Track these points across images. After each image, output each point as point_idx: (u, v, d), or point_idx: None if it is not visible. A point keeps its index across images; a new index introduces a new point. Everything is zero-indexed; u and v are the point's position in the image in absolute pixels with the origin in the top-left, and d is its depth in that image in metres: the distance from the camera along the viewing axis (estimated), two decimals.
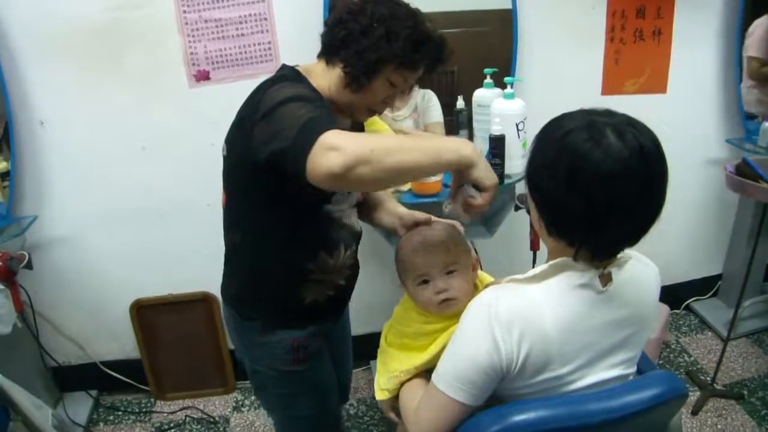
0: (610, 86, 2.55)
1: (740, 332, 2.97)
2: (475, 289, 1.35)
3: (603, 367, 1.06)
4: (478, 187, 1.14)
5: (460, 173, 1.14)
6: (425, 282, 1.27)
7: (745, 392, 2.64)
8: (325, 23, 1.40)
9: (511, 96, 2.16)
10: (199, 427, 2.62)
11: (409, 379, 1.27)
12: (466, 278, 1.29)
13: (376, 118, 2.55)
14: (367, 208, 1.61)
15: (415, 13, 1.33)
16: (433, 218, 1.45)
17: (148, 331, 2.71)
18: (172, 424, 2.63)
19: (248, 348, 1.53)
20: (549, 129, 1.01)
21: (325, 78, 1.36)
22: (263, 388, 1.58)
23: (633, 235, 1.00)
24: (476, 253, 1.39)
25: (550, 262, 1.04)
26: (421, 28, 1.31)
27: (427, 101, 2.40)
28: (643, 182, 0.93)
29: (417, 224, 1.44)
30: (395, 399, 1.30)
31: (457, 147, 1.11)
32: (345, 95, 1.35)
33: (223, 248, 1.50)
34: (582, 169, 0.92)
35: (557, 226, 1.02)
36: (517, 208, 2.19)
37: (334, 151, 1.02)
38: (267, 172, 1.20)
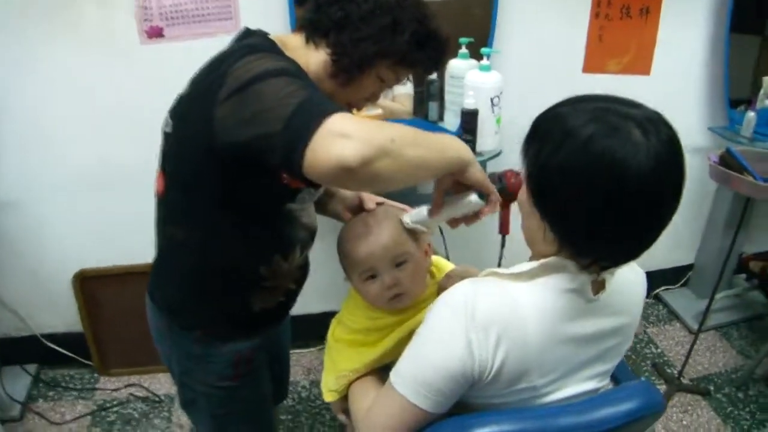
0: (592, 64, 2.44)
1: (709, 325, 2.93)
2: (431, 277, 1.23)
3: (578, 380, 0.98)
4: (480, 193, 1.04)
5: (453, 176, 1.02)
6: (372, 277, 1.15)
7: (712, 388, 2.60)
8: None
9: (487, 68, 2.06)
10: (143, 405, 2.51)
11: (359, 377, 1.16)
12: (418, 268, 1.17)
13: None
14: (318, 201, 1.45)
15: (423, 4, 1.17)
16: (378, 200, 1.31)
17: (93, 303, 2.57)
18: (115, 402, 2.52)
19: (180, 359, 1.35)
20: (559, 132, 0.87)
21: (304, 58, 1.16)
22: (192, 403, 1.41)
23: (650, 243, 0.89)
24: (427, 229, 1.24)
25: (542, 261, 0.93)
26: (429, 24, 1.16)
27: None
28: (675, 181, 0.85)
29: (362, 208, 1.30)
30: (346, 399, 1.19)
31: (452, 142, 1.01)
32: (327, 84, 1.16)
33: None
34: (623, 177, 0.81)
35: (571, 237, 0.90)
36: None
37: (346, 139, 0.86)
38: (229, 160, 1.03)
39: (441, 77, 2.26)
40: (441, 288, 1.16)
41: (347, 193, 1.40)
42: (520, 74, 2.32)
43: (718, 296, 2.65)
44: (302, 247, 1.31)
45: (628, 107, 0.85)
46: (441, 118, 2.29)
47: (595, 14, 2.38)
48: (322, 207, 1.44)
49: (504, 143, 2.18)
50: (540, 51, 2.42)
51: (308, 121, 0.89)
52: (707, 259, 3.06)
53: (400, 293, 1.13)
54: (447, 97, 2.24)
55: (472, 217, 1.10)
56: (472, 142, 1.97)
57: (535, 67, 2.35)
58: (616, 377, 1.09)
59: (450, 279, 1.17)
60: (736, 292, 3.08)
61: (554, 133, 0.87)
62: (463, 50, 2.17)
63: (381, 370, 1.16)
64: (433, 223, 1.14)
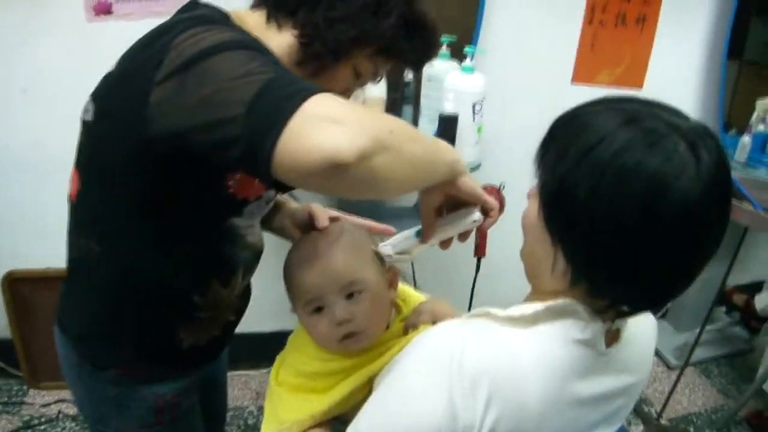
0: (582, 74, 2.31)
1: (683, 361, 2.80)
2: (396, 312, 1.03)
3: None
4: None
5: (444, 187, 0.89)
6: (319, 310, 0.95)
7: (692, 429, 2.49)
8: None
9: (470, 70, 1.90)
10: (73, 425, 2.30)
11: (306, 430, 0.96)
12: (378, 301, 0.97)
13: None
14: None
15: None
16: (333, 215, 1.10)
17: (23, 308, 2.36)
18: (43, 419, 2.30)
19: (93, 402, 1.12)
20: (585, 137, 0.72)
21: (265, 39, 0.94)
22: None
23: (684, 287, 0.75)
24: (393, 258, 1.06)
25: (548, 304, 0.78)
26: (417, 8, 0.98)
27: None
28: (723, 211, 0.72)
29: (313, 225, 1.09)
30: None
31: (444, 143, 0.87)
32: (293, 72, 0.94)
33: None
34: (663, 200, 0.68)
35: (591, 271, 0.75)
36: None
37: (337, 125, 0.68)
38: (161, 156, 0.83)
39: (417, 79, 2.10)
40: (409, 326, 0.98)
41: (295, 206, 1.19)
42: (504, 80, 2.19)
43: (696, 330, 2.53)
44: (245, 271, 1.10)
45: (671, 114, 0.72)
46: (415, 123, 2.14)
47: (589, 20, 2.26)
48: (265, 222, 1.22)
49: (484, 155, 2.02)
50: (527, 55, 2.29)
51: (281, 102, 0.70)
52: (688, 291, 2.90)
53: (354, 332, 0.93)
54: (423, 101, 2.08)
55: (465, 234, 0.97)
56: None
57: (520, 74, 2.24)
58: None
59: (420, 315, 0.99)
60: (717, 327, 2.97)
61: (579, 137, 0.72)
62: (444, 50, 2.02)
63: (333, 423, 0.97)
64: (421, 249, 0.99)
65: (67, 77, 2.06)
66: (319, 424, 0.95)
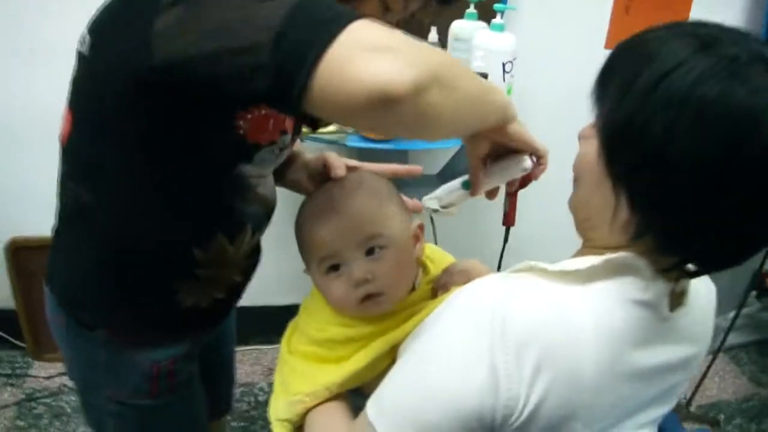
0: (615, 39, 2.11)
1: (715, 347, 2.68)
2: (423, 272, 0.93)
3: (628, 428, 0.73)
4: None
5: (492, 134, 0.83)
6: (335, 268, 0.85)
7: (722, 417, 2.40)
8: None
9: (500, 28, 1.80)
10: (76, 399, 2.22)
11: (320, 404, 0.86)
12: (402, 258, 0.87)
13: None
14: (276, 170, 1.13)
15: None
16: (352, 164, 1.00)
17: (26, 277, 2.28)
18: (46, 393, 2.25)
19: (82, 368, 1.04)
20: (655, 65, 0.63)
21: None
22: (99, 427, 1.08)
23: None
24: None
25: (607, 257, 0.69)
26: None
27: None
28: None
29: (328, 176, 0.99)
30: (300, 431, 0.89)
31: (492, 84, 0.81)
32: None
33: None
34: (753, 135, 0.59)
35: (662, 221, 0.66)
36: None
37: (386, 54, 0.60)
38: (168, 89, 0.74)
39: (443, 40, 1.98)
40: (438, 288, 0.88)
41: (309, 157, 1.08)
42: (533, 41, 2.06)
43: (729, 315, 2.41)
44: (254, 228, 1.00)
45: (752, 41, 0.63)
46: None
47: None
48: (278, 176, 1.12)
49: None
50: (559, 18, 2.16)
51: (318, 26, 0.62)
52: (721, 273, 2.80)
53: (375, 293, 0.83)
54: None
55: (512, 183, 0.93)
56: None
57: (551, 36, 2.11)
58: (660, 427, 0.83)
59: (453, 275, 0.88)
60: (747, 312, 2.80)
61: (647, 67, 0.63)
62: (471, 9, 1.91)
63: (350, 396, 0.87)
64: (468, 200, 0.93)
65: (70, 35, 1.97)
66: (334, 397, 0.86)
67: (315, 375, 0.87)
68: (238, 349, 1.45)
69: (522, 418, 0.64)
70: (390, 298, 0.85)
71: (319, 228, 0.84)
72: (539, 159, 0.89)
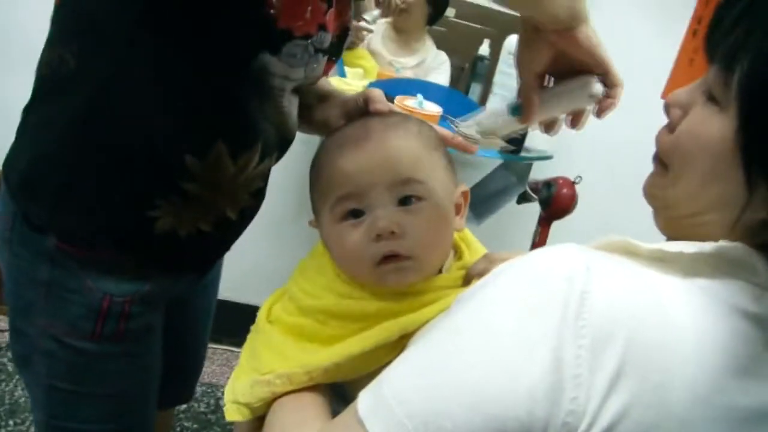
0: (674, 89, 2.01)
1: None
2: (455, 254, 0.75)
3: None
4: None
5: (558, 38, 0.67)
6: (354, 215, 0.67)
7: None
8: None
9: None
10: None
11: (292, 392, 0.67)
12: (440, 221, 0.69)
13: (365, 53, 1.98)
14: (302, 102, 0.94)
15: None
16: (398, 110, 0.83)
17: None
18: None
19: (20, 284, 0.86)
20: None
21: None
22: (26, 362, 0.90)
23: None
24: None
25: (720, 244, 0.50)
26: None
27: (439, 62, 2.04)
28: None
29: (367, 112, 0.81)
30: (260, 424, 0.68)
31: None
32: None
33: None
34: None
35: None
36: (522, 200, 1.65)
37: None
38: None
39: (494, 55, 1.86)
40: (474, 274, 0.68)
41: (348, 96, 0.91)
42: None
43: None
44: (264, 152, 0.83)
45: None
46: (483, 102, 1.89)
47: (693, 31, 1.99)
48: (307, 116, 0.95)
49: (558, 147, 1.77)
50: (619, 53, 2.00)
51: None
52: None
53: (401, 254, 0.65)
54: (497, 78, 1.81)
55: (577, 116, 0.72)
56: (521, 138, 1.53)
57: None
58: None
59: (493, 263, 0.67)
60: None
61: None
62: None
63: (330, 394, 0.68)
64: (515, 130, 0.73)
65: None
66: (312, 388, 0.67)
67: (295, 353, 0.68)
68: (208, 345, 1.26)
69: None
70: (418, 267, 0.67)
71: (344, 159, 0.67)
72: (611, 88, 0.70)
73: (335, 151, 0.68)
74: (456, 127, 0.76)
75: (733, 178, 0.50)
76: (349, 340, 0.65)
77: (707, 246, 0.50)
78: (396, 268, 0.65)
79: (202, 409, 2.05)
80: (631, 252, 0.53)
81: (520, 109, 0.72)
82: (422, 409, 0.47)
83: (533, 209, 1.64)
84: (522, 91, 0.71)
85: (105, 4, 0.71)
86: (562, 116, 0.74)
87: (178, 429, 1.93)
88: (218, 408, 2.09)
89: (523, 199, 1.63)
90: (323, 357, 0.65)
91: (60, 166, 0.77)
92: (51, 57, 0.76)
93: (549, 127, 0.76)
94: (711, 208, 0.53)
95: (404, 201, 0.66)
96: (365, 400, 0.51)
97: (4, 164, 0.82)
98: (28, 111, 0.81)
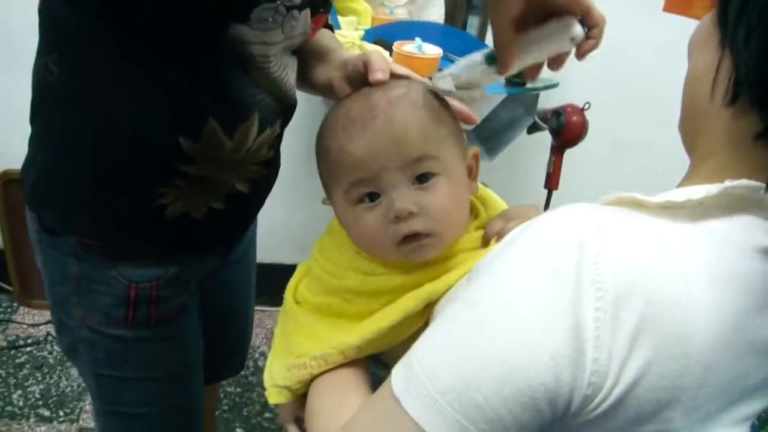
0: (676, 1, 1.98)
1: None
2: (472, 215, 0.75)
3: (725, 424, 0.56)
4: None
5: None
6: (371, 197, 0.67)
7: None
8: None
9: None
10: (59, 351, 2.10)
11: (329, 370, 0.70)
12: (457, 193, 0.69)
13: None
14: (303, 63, 0.94)
15: None
16: (399, 71, 0.77)
17: (16, 213, 2.11)
18: (30, 341, 2.14)
19: (53, 281, 0.88)
20: None
21: None
22: (73, 350, 0.93)
23: None
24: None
25: (726, 184, 0.53)
26: None
27: None
28: None
29: (366, 79, 0.77)
30: (302, 403, 0.72)
31: None
32: None
33: None
34: None
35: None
36: (532, 130, 1.64)
37: None
38: None
39: None
40: (491, 234, 0.69)
41: (349, 56, 0.88)
42: None
43: None
44: (263, 121, 0.82)
45: None
46: (482, 36, 1.87)
47: None
48: (306, 76, 0.93)
49: (563, 73, 1.71)
50: None
51: None
52: None
53: (421, 233, 0.66)
54: None
55: (557, 59, 0.70)
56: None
57: None
58: None
59: (509, 222, 0.69)
60: None
61: None
62: None
63: (368, 364, 0.72)
64: (493, 80, 0.71)
65: None
66: (348, 364, 0.70)
67: (326, 334, 0.71)
68: None
69: (607, 403, 0.49)
70: (439, 242, 0.67)
71: (352, 143, 0.66)
72: (591, 28, 0.67)
73: (341, 133, 0.68)
74: (431, 80, 0.73)
75: (713, 41, 0.55)
76: (376, 315, 0.68)
77: (714, 188, 0.52)
78: (418, 246, 0.66)
79: (241, 373, 2.09)
80: (639, 206, 0.54)
81: (494, 58, 0.69)
82: (452, 384, 0.50)
83: (545, 138, 1.63)
84: (495, 38, 0.68)
85: (68, 7, 0.71)
86: (543, 60, 0.71)
87: (221, 395, 1.99)
88: (257, 370, 2.16)
89: (534, 129, 1.63)
90: (354, 336, 0.68)
91: (62, 176, 0.81)
92: (38, 66, 0.78)
93: (530, 73, 0.73)
94: (701, 82, 0.57)
95: (420, 179, 0.66)
96: (399, 377, 0.54)
97: (21, 174, 0.87)
98: (32, 122, 0.84)
